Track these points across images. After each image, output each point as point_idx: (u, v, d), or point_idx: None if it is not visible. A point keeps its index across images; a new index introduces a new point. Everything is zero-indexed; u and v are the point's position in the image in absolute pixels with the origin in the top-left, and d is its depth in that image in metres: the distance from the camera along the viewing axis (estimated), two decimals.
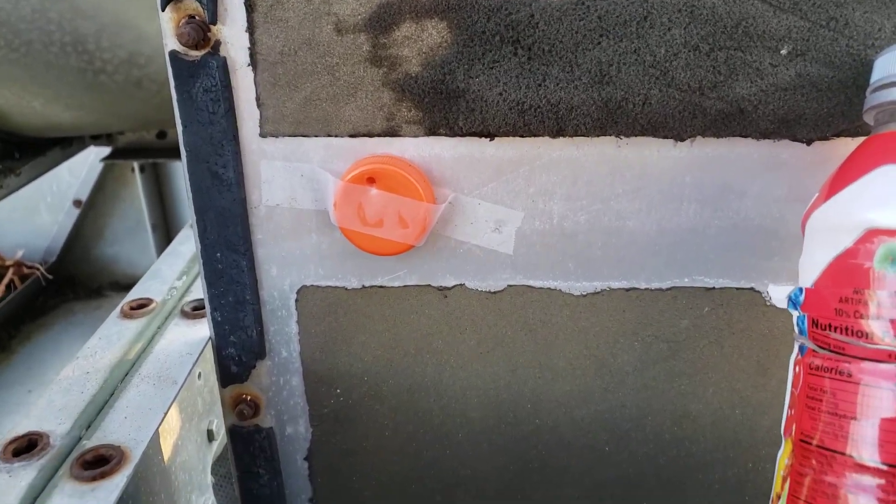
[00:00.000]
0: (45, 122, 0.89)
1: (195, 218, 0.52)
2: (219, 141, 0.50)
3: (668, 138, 0.48)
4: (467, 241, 0.53)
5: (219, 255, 0.53)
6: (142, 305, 0.61)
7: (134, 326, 0.58)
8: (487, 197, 0.51)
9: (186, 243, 0.78)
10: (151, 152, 1.33)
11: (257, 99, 0.49)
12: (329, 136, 0.50)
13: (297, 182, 0.51)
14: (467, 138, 0.49)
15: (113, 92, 0.81)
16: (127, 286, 1.64)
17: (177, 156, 1.36)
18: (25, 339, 1.40)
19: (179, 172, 1.56)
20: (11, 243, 1.57)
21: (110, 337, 0.57)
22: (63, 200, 1.53)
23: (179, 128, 0.50)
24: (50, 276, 1.52)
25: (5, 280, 1.47)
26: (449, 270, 0.54)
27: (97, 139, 1.23)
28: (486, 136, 0.49)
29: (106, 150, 1.34)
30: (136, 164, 1.44)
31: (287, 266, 0.54)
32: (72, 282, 1.59)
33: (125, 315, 0.60)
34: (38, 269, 1.50)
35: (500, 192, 0.51)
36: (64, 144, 1.10)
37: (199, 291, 0.66)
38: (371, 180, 0.49)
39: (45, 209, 1.56)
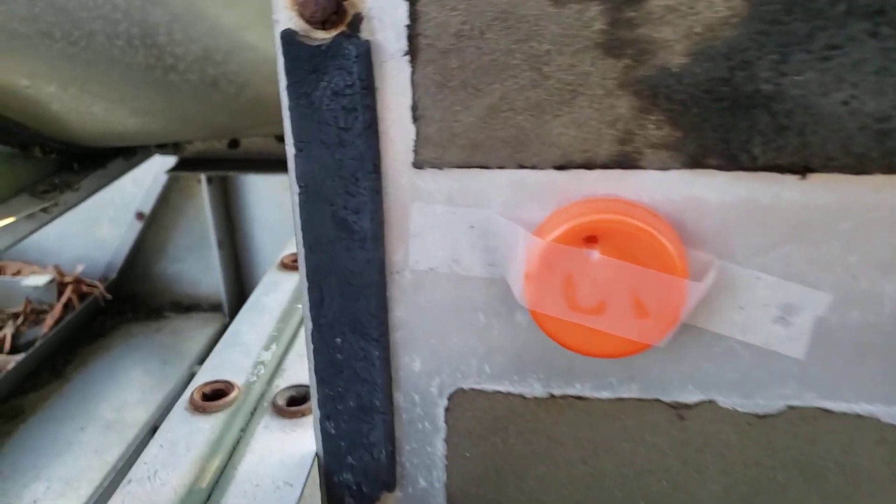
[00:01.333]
0: (107, 129, 0.75)
1: (307, 285, 0.35)
2: (352, 173, 0.32)
3: None
4: (729, 337, 0.33)
5: (339, 340, 0.35)
6: (219, 393, 0.44)
7: (208, 428, 0.41)
8: (773, 268, 0.32)
9: (273, 293, 0.61)
10: (222, 164, 1.18)
11: (414, 108, 0.31)
12: (522, 167, 0.31)
13: (464, 237, 0.33)
14: (759, 174, 0.30)
15: (184, 94, 0.66)
16: (188, 307, 1.51)
17: (249, 168, 1.22)
18: (81, 365, 1.28)
19: (250, 184, 1.42)
20: (71, 256, 1.47)
21: (175, 444, 0.40)
22: (125, 213, 1.41)
23: (290, 150, 0.33)
24: (109, 296, 1.40)
25: (63, 298, 1.36)
26: (693, 379, 0.34)
27: (163, 148, 1.10)
28: (795, 172, 0.30)
29: (172, 161, 1.21)
30: (203, 177, 1.31)
31: (437, 360, 0.36)
32: (132, 301, 1.48)
33: (196, 408, 0.43)
34: (97, 288, 1.39)
35: (798, 262, 0.31)
36: (127, 154, 0.97)
37: (293, 368, 0.49)
38: (591, 240, 0.30)
39: (107, 221, 1.45)
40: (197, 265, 1.49)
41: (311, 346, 0.36)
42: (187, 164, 1.20)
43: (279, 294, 0.60)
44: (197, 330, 1.44)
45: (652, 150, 0.31)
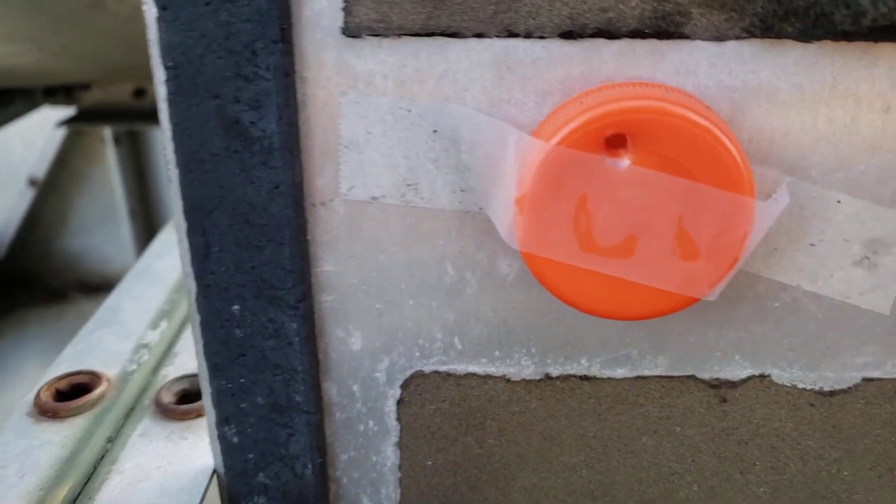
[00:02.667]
0: None
1: (185, 227, 0.23)
2: (246, 44, 0.21)
3: None
4: (793, 286, 0.24)
5: (236, 308, 0.24)
6: (80, 390, 0.32)
7: (59, 440, 0.29)
8: (860, 188, 0.22)
9: (169, 255, 0.48)
10: (126, 116, 1.00)
11: None
12: (512, 34, 0.21)
13: (424, 147, 0.22)
14: (857, 46, 0.20)
15: (59, 15, 0.52)
16: (97, 288, 1.33)
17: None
18: None
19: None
20: None
21: (5, 468, 0.28)
22: (14, 178, 1.21)
23: (150, 10, 0.21)
24: None
25: None
26: (740, 347, 0.25)
27: (52, 96, 0.92)
28: None
29: (66, 113, 1.03)
30: (108, 133, 1.13)
31: (386, 333, 0.25)
32: (26, 282, 1.28)
33: (44, 412, 0.30)
34: None
35: (895, 178, 0.22)
36: (1, 102, 0.80)
37: (189, 352, 0.37)
38: (617, 142, 0.20)
39: None
40: (106, 239, 1.30)
41: (197, 318, 0.25)
42: (85, 117, 1.02)
43: (177, 257, 0.47)
44: None
45: (702, 10, 0.20)
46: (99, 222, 1.36)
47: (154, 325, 0.37)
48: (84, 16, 0.56)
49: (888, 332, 0.24)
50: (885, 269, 0.23)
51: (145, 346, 0.35)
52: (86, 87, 0.95)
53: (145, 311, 0.38)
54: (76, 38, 0.61)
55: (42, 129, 1.12)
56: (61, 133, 1.16)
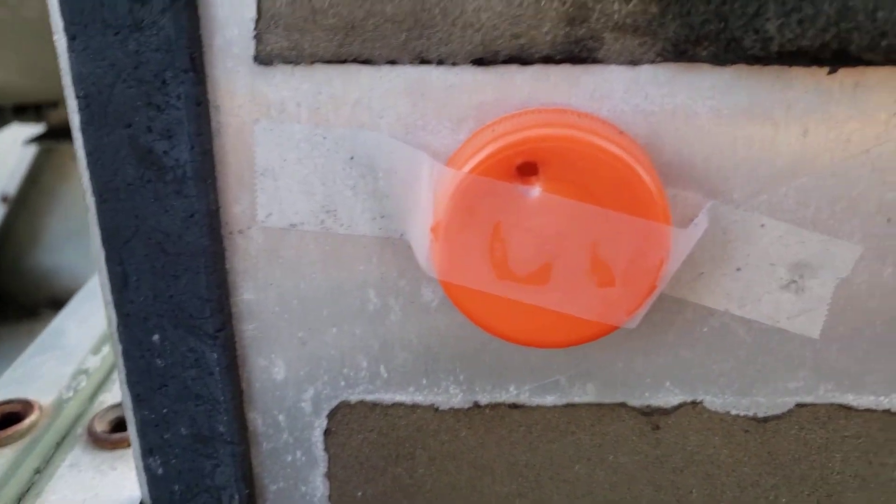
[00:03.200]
0: None
1: (103, 255, 0.23)
2: (156, 73, 0.20)
3: None
4: (721, 311, 0.23)
5: (156, 338, 0.24)
6: (11, 419, 0.31)
7: None
8: (783, 210, 0.22)
9: None
10: None
11: None
12: (424, 61, 0.21)
13: (341, 174, 0.22)
14: (770, 70, 0.20)
15: (23, 36, 0.52)
16: None
17: None
18: None
19: None
20: None
21: None
22: None
23: (60, 40, 0.21)
24: None
25: None
26: (671, 373, 0.24)
27: (21, 114, 0.92)
28: (824, 63, 0.20)
29: (36, 130, 1.03)
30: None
31: (310, 362, 0.24)
32: None
33: None
34: None
35: (817, 201, 0.22)
36: None
37: None
38: (529, 169, 0.20)
39: None
40: (78, 255, 1.29)
41: (119, 348, 0.24)
42: (54, 134, 1.01)
43: None
44: None
45: (615, 35, 0.20)
46: (70, 239, 1.36)
47: (96, 350, 0.36)
48: (49, 35, 0.56)
49: (818, 356, 0.24)
50: (812, 293, 0.23)
51: (84, 371, 0.34)
52: (54, 104, 0.95)
53: (89, 334, 0.37)
54: (44, 57, 0.61)
55: (13, 146, 1.12)
56: (32, 150, 1.16)
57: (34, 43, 0.56)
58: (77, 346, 0.37)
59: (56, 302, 1.31)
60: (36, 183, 1.20)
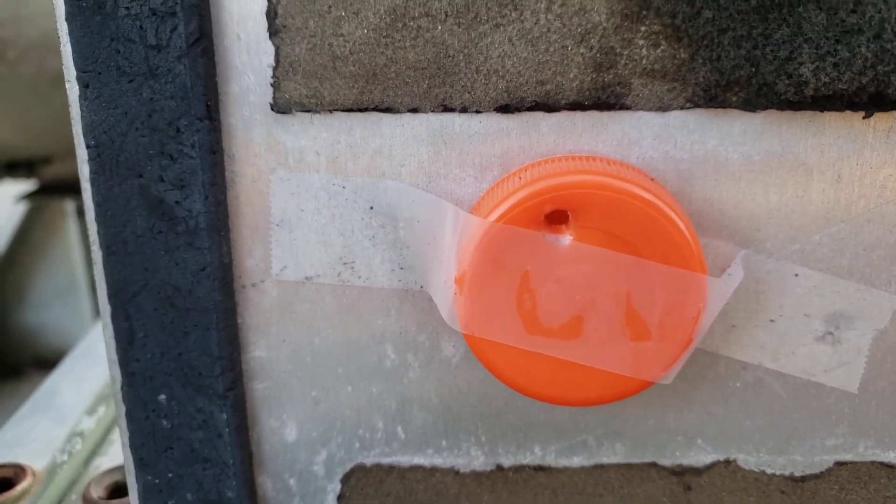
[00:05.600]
0: None
1: (108, 310, 0.22)
2: (170, 121, 0.20)
3: None
4: (754, 365, 0.22)
5: (163, 398, 0.22)
6: (2, 485, 0.29)
7: None
8: (818, 260, 0.21)
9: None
10: None
11: (271, 12, 0.19)
12: (447, 108, 0.20)
13: (360, 225, 0.21)
14: (804, 115, 0.20)
15: (17, 90, 0.52)
16: (54, 364, 1.29)
17: None
18: None
19: None
20: None
21: None
22: None
23: (73, 88, 0.20)
24: None
25: None
26: (703, 431, 0.23)
27: (13, 170, 0.91)
28: (859, 107, 0.20)
29: (27, 187, 1.02)
30: (70, 206, 1.12)
31: (323, 423, 0.23)
32: None
33: None
34: None
35: (853, 249, 0.21)
36: None
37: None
38: (558, 218, 0.19)
39: None
40: (65, 314, 1.27)
41: (122, 409, 0.23)
42: (48, 190, 1.01)
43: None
44: None
45: (643, 81, 0.20)
46: (58, 296, 1.33)
47: (91, 411, 0.35)
48: (45, 91, 0.56)
49: (857, 411, 0.23)
50: (850, 345, 0.22)
51: (79, 434, 0.33)
52: (47, 160, 0.95)
53: (83, 394, 0.36)
54: (39, 113, 0.60)
55: (3, 203, 1.11)
56: (22, 207, 1.15)
57: (30, 99, 0.56)
58: (71, 407, 0.35)
59: (41, 361, 1.28)
60: (25, 240, 1.19)
